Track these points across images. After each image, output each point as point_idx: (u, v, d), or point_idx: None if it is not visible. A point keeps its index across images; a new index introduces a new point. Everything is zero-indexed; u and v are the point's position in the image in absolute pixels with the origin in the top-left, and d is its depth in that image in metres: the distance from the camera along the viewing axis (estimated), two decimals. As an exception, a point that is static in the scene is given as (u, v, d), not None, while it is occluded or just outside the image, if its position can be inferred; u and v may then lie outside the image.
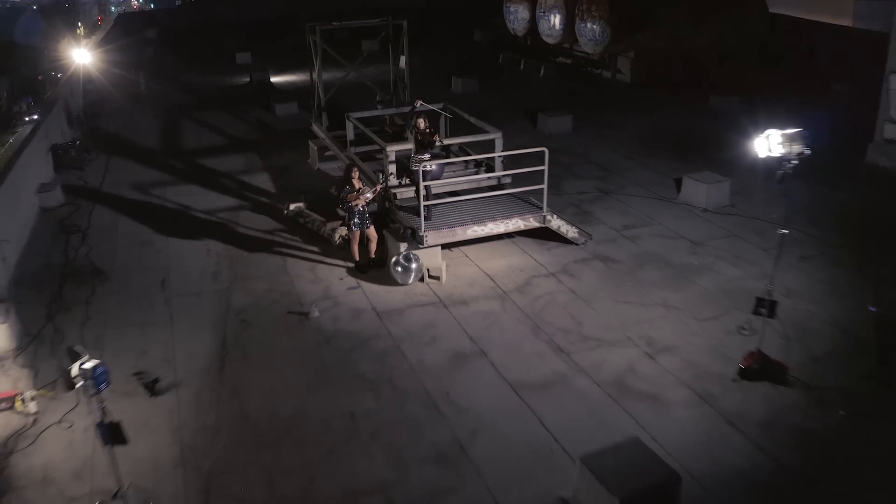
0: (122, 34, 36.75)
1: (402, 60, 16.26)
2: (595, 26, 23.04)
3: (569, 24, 24.25)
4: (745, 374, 8.09)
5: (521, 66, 25.88)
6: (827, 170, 14.85)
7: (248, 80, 25.40)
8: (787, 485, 6.66)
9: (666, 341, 8.78)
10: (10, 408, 7.96)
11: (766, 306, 8.01)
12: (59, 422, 7.70)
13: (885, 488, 6.60)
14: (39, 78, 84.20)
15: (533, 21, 26.38)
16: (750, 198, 13.18)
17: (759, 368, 8.09)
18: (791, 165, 7.44)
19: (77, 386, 5.96)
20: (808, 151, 7.35)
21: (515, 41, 27.98)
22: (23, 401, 7.95)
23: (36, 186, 14.15)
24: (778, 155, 7.32)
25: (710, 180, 12.89)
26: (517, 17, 27.48)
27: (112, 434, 6.13)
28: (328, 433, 7.34)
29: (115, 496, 6.56)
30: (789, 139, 7.23)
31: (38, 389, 8.20)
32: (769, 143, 7.29)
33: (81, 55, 21.04)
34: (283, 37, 30.52)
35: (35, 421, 7.76)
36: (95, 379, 5.80)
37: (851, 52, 21.19)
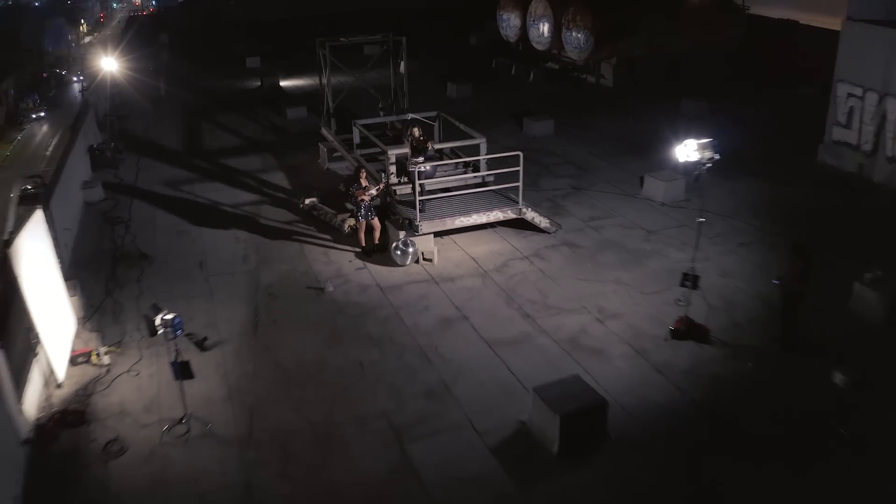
0: (136, 39, 38.69)
1: (402, 66, 18.22)
2: (580, 35, 25.07)
3: (556, 32, 26.27)
4: (675, 334, 10.15)
5: (513, 71, 27.88)
6: (780, 168, 16.96)
7: (258, 83, 27.35)
8: (693, 413, 8.72)
9: (614, 310, 10.85)
10: (87, 361, 10.03)
11: (690, 280, 10.06)
12: (128, 370, 9.78)
13: (772, 418, 8.63)
14: (44, 76, 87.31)
15: (524, 28, 28.39)
16: (703, 193, 15.20)
17: (686, 330, 10.15)
18: (705, 168, 9.48)
19: (159, 332, 7.98)
20: (717, 156, 9.39)
21: (508, 46, 29.97)
22: (97, 355, 10.04)
23: (80, 183, 16.20)
24: (694, 160, 9.35)
25: (667, 178, 14.93)
26: (509, 24, 29.50)
27: (183, 370, 8.21)
28: (342, 376, 9.42)
29: (180, 421, 8.65)
30: (702, 147, 9.28)
31: (108, 346, 10.28)
32: (687, 150, 9.32)
33: (108, 63, 23.04)
34: (289, 40, 32.55)
35: (108, 370, 9.84)
36: (173, 327, 7.88)
37: (826, 56, 22.74)
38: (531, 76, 26.67)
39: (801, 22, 61.01)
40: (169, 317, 7.90)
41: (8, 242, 8.73)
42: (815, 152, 17.98)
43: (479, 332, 10.32)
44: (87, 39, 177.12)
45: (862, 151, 17.10)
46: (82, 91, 23.65)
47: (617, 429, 8.31)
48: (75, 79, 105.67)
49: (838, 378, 9.18)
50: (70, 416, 8.87)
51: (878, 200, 15.41)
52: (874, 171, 16.74)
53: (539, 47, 27.71)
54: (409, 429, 8.44)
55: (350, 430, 8.48)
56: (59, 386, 9.32)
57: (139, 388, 9.47)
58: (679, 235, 13.30)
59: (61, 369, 9.48)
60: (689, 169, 9.63)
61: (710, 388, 9.19)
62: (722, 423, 8.54)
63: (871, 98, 16.85)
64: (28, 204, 11.34)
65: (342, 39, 17.73)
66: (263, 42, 35.13)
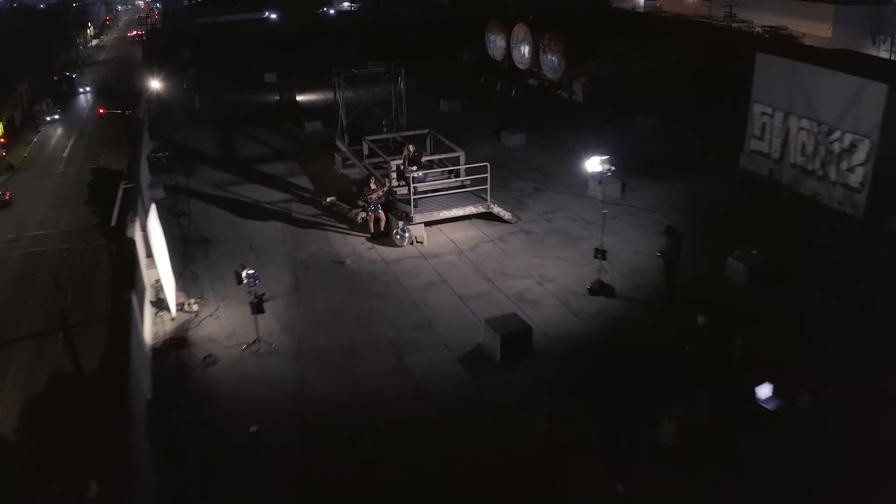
0: (161, 53, 43.31)
1: (401, 90, 22.70)
2: (554, 57, 29.70)
3: (535, 53, 30.88)
4: (590, 292, 14.68)
5: (498, 87, 32.43)
6: (708, 173, 21.48)
7: (278, 98, 31.92)
8: (593, 339, 13.22)
9: (551, 276, 15.38)
10: (180, 309, 14.58)
11: (599, 253, 14.58)
12: (211, 315, 14.34)
13: (647, 343, 13.11)
14: (55, 79, 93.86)
15: (508, 49, 33.01)
16: (638, 194, 19.78)
17: (598, 289, 14.68)
18: (607, 176, 14.01)
19: (245, 281, 12.46)
20: (613, 168, 13.93)
21: (495, 64, 34.54)
22: (188, 304, 14.60)
23: (146, 184, 20.76)
24: (598, 170, 13.88)
25: (606, 181, 19.42)
26: (496, 45, 34.15)
27: (258, 307, 12.75)
28: (359, 318, 13.97)
29: (253, 343, 13.19)
30: (602, 162, 13.81)
31: (195, 299, 14.84)
32: (592, 164, 13.85)
33: (154, 82, 27.62)
34: (302, 54, 37.16)
35: (197, 315, 14.39)
36: (253, 277, 12.44)
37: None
38: (513, 92, 31.22)
39: (790, 27, 66.66)
40: (250, 272, 12.48)
41: (144, 225, 13.30)
42: (738, 159, 22.51)
43: (454, 290, 14.87)
44: (93, 42, 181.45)
45: (772, 159, 21.63)
46: (140, 112, 27.20)
47: (540, 346, 12.84)
48: (82, 90, 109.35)
49: (700, 319, 13.67)
50: (177, 341, 13.42)
51: (781, 197, 19.91)
52: (781, 175, 21.26)
53: (521, 66, 32.33)
54: (404, 347, 13.00)
55: (365, 348, 13.03)
56: (172, 319, 13.90)
57: (220, 324, 14.02)
58: (609, 225, 17.72)
59: (173, 309, 14.06)
60: (595, 177, 14.15)
61: (608, 326, 13.71)
62: (612, 345, 13.07)
63: (779, 116, 21.37)
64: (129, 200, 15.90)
65: (353, 70, 22.28)
66: (278, 54, 39.60)
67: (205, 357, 12.97)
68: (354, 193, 18.70)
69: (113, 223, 16.97)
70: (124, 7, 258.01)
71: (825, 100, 19.78)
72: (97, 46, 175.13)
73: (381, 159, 18.93)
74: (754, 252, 15.77)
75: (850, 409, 10.95)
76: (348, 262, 16.13)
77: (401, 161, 17.86)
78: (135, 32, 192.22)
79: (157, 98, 29.22)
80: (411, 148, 17.46)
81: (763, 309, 13.90)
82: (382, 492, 9.85)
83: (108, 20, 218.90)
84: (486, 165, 17.19)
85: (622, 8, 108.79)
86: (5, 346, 27.19)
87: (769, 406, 11.03)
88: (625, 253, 16.23)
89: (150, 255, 15.05)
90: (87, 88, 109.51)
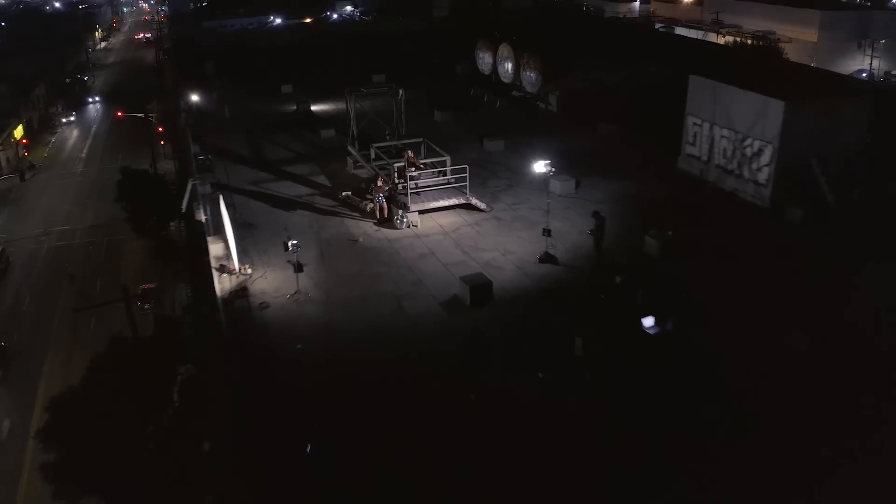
0: (185, 65, 48.75)
1: (402, 103, 28.16)
2: (532, 74, 35.17)
3: (517, 70, 36.34)
4: (540, 260, 20.15)
5: (485, 99, 37.88)
6: (650, 173, 26.85)
7: (295, 108, 37.36)
8: (539, 291, 18.70)
9: (512, 250, 20.86)
10: (239, 272, 20.09)
11: (546, 232, 20.06)
12: (261, 276, 19.85)
13: (580, 293, 18.56)
14: (67, 80, 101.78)
15: (495, 65, 38.49)
16: (590, 190, 25.24)
17: (545, 258, 20.14)
18: (551, 174, 19.50)
19: (290, 248, 17.89)
20: (553, 169, 19.40)
21: (483, 78, 40.00)
22: (245, 268, 20.11)
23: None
24: (542, 171, 19.35)
25: (562, 179, 24.90)
26: (484, 61, 39.65)
27: (298, 267, 18.27)
28: (369, 278, 19.50)
29: (294, 293, 18.70)
30: (545, 164, 19.26)
31: (248, 265, 20.34)
32: (538, 166, 19.33)
33: (196, 95, 33.11)
34: (314, 65, 42.66)
35: (251, 276, 19.89)
36: (296, 246, 17.96)
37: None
38: (498, 103, 36.68)
39: (778, 33, 72.83)
40: (294, 242, 17.99)
41: (207, 211, 18.85)
42: (676, 162, 27.94)
43: (439, 259, 20.36)
44: (101, 45, 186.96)
45: (702, 161, 27.08)
46: (182, 120, 32.15)
47: (499, 296, 18.32)
48: (91, 100, 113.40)
49: (616, 279, 19.09)
50: (239, 293, 18.92)
51: (707, 192, 25.34)
52: (709, 174, 26.70)
53: (505, 80, 37.84)
54: (402, 297, 18.52)
55: (374, 298, 18.53)
56: (236, 275, 19.43)
57: (268, 282, 19.52)
58: (562, 214, 23.25)
59: (237, 268, 19.60)
60: (541, 176, 19.63)
61: (550, 284, 19.16)
62: (551, 296, 18.53)
63: (706, 126, 26.81)
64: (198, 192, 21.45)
65: (362, 90, 27.79)
66: (291, 66, 45.08)
67: (260, 303, 18.45)
68: (364, 189, 24.22)
69: (183, 210, 22.38)
70: (129, 9, 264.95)
71: (739, 113, 25.27)
72: (105, 49, 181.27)
73: (385, 162, 24.42)
74: (669, 233, 21.24)
75: (712, 334, 16.42)
76: (361, 240, 21.64)
77: (401, 164, 23.35)
78: (142, 35, 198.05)
79: (195, 108, 34.71)
80: (410, 154, 22.95)
81: (664, 272, 19.34)
82: (384, 383, 15.30)
83: (114, 23, 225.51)
84: (465, 167, 22.69)
85: (610, 16, 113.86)
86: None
87: (651, 331, 16.49)
88: (571, 234, 21.71)
89: (212, 233, 20.55)
90: (97, 98, 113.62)
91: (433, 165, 24.74)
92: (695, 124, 27.26)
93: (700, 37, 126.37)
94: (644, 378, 14.93)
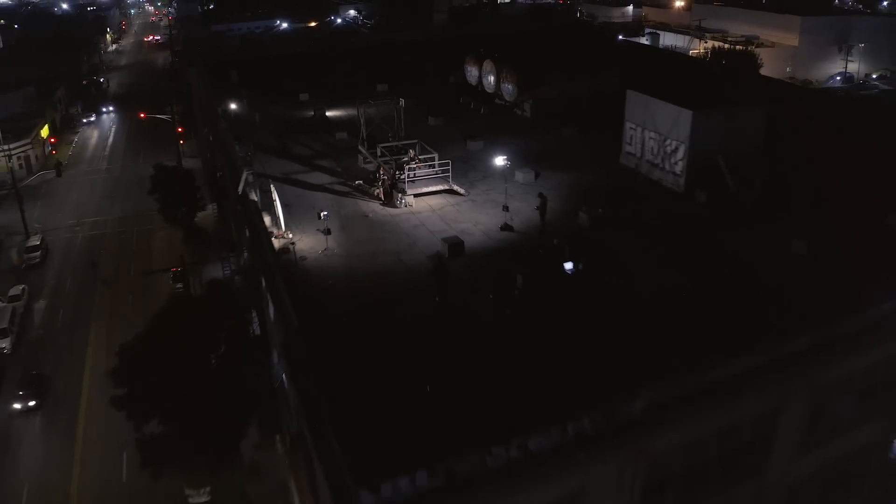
0: (213, 75, 56.74)
1: (401, 111, 36.20)
2: (509, 85, 43.25)
3: (497, 82, 44.42)
4: (501, 228, 28.23)
5: (472, 106, 45.94)
6: (596, 167, 34.88)
7: (312, 114, 45.39)
8: (491, 249, 26.77)
9: (482, 223, 28.99)
10: (282, 236, 28.19)
11: (506, 208, 28.14)
12: (300, 239, 27.96)
13: (521, 252, 26.60)
14: (84, 83, 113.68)
15: (480, 77, 46.57)
16: (547, 180, 33.29)
17: (504, 227, 28.21)
18: (508, 165, 27.58)
19: (322, 217, 25.81)
20: (509, 163, 27.46)
21: (470, 88, 48.05)
22: (286, 234, 28.23)
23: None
24: (501, 164, 27.39)
25: (524, 171, 32.95)
26: (471, 73, 47.75)
27: (328, 231, 26.37)
28: (376, 241, 27.67)
29: (324, 250, 26.81)
30: (503, 159, 27.29)
31: (289, 232, 28.44)
32: (499, 160, 27.36)
33: (234, 104, 41.21)
34: (327, 75, 50.87)
35: (291, 240, 28.00)
36: (326, 216, 26.06)
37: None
38: (482, 110, 44.76)
39: (762, 37, 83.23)
40: (325, 213, 26.10)
41: (259, 192, 26.99)
42: (618, 158, 35.97)
43: (428, 228, 28.45)
44: (112, 47, 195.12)
45: (636, 157, 35.10)
46: (224, 123, 40.15)
47: (469, 251, 26.37)
48: (105, 110, 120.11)
49: (554, 241, 27.07)
50: (284, 250, 26.99)
51: (639, 181, 33.37)
52: (641, 167, 34.73)
53: (489, 91, 45.91)
54: (400, 253, 26.62)
55: (381, 253, 26.64)
56: (282, 238, 27.55)
57: (304, 244, 27.62)
58: (522, 196, 31.26)
59: (284, 230, 27.74)
60: (502, 169, 27.66)
61: (506, 244, 27.20)
62: (505, 253, 26.58)
63: (639, 130, 34.82)
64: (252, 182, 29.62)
65: (370, 102, 35.87)
66: (306, 75, 53.23)
67: (300, 257, 26.50)
68: (372, 178, 32.29)
69: (240, 191, 30.40)
70: (136, 11, 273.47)
71: (661, 119, 33.27)
72: (116, 51, 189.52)
73: (388, 158, 32.46)
74: (599, 210, 29.27)
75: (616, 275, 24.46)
76: (370, 215, 29.70)
77: (404, 159, 31.44)
78: (151, 38, 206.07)
79: (230, 114, 42.79)
80: (411, 152, 31.07)
81: (590, 238, 27.37)
82: (386, 303, 23.29)
83: (123, 25, 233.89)
84: (449, 162, 30.77)
85: (603, 22, 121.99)
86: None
87: (569, 272, 24.49)
88: (526, 211, 29.70)
89: (263, 208, 28.63)
90: (110, 108, 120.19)
91: (425, 160, 32.79)
92: (631, 128, 35.29)
93: (686, 42, 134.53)
94: (561, 300, 22.98)
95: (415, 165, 31.41)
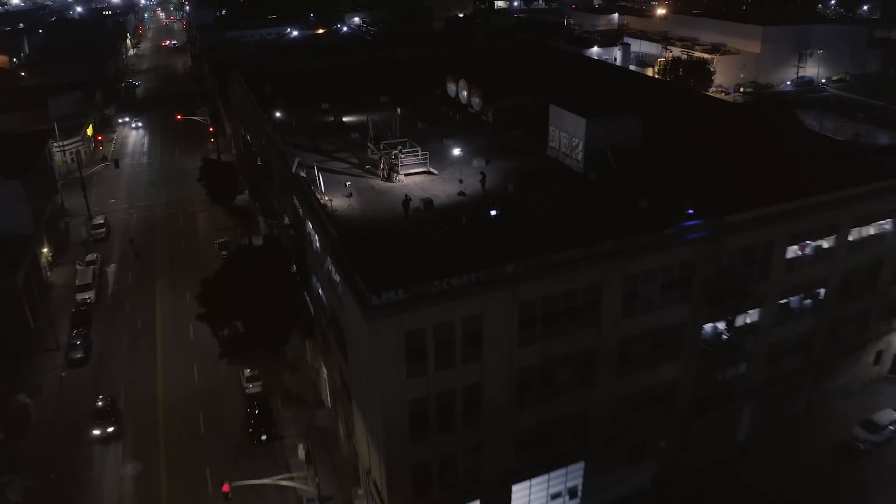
0: (252, 87, 75.23)
1: (398, 119, 54.53)
2: (476, 99, 61.81)
3: (469, 95, 62.94)
4: (458, 194, 46.59)
5: (450, 114, 64.28)
6: (531, 157, 53.47)
7: (332, 119, 63.76)
8: (451, 205, 45.14)
9: (447, 191, 47.42)
10: (321, 198, 46.62)
11: (461, 182, 46.49)
12: (330, 201, 46.40)
13: (471, 207, 45.01)
14: (122, 85, 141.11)
15: (457, 91, 65.09)
16: (493, 166, 51.70)
17: (460, 194, 46.55)
18: (462, 155, 45.90)
19: (347, 186, 43.77)
20: (462, 153, 45.77)
21: (450, 99, 66.48)
22: (325, 198, 46.66)
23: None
24: (457, 154, 45.67)
25: (479, 159, 51.28)
26: (451, 88, 66.31)
27: (350, 194, 44.79)
28: (380, 201, 46.12)
29: (348, 205, 45.21)
30: (461, 150, 45.57)
31: (326, 196, 46.88)
32: (456, 150, 45.65)
33: (277, 113, 59.72)
34: (339, 86, 69.51)
35: (329, 200, 46.40)
36: (350, 185, 44.45)
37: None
38: (457, 117, 63.15)
39: (728, 45, 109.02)
40: (349, 182, 44.50)
41: (311, 169, 45.51)
42: (545, 150, 54.40)
43: (412, 194, 46.78)
44: (132, 51, 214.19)
45: (556, 150, 53.52)
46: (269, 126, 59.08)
47: (437, 205, 44.66)
48: (133, 125, 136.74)
49: (490, 201, 45.29)
50: (325, 205, 45.38)
51: (556, 167, 51.81)
52: (558, 157, 53.12)
53: (463, 102, 64.37)
54: (393, 208, 44.93)
55: (383, 209, 45.03)
56: (323, 200, 46.05)
57: (335, 203, 45.94)
58: (473, 175, 49.49)
59: (325, 200, 46.30)
60: (460, 158, 45.92)
61: (461, 204, 45.50)
62: (460, 206, 44.89)
63: (557, 132, 53.27)
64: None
65: (375, 113, 54.24)
66: (325, 87, 71.99)
67: (333, 209, 44.77)
68: (377, 163, 50.64)
69: (293, 171, 48.45)
70: (149, 15, 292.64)
71: (569, 124, 51.57)
72: (137, 55, 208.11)
73: (387, 151, 50.82)
74: (522, 183, 47.61)
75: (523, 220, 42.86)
76: (375, 187, 48.08)
77: (398, 151, 49.79)
78: (168, 42, 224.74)
79: (275, 119, 61.09)
80: (400, 147, 49.47)
81: (511, 199, 45.63)
82: (384, 228, 41.53)
83: (140, 29, 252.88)
84: (427, 153, 49.14)
85: (583, 33, 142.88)
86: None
87: (493, 215, 42.72)
88: (475, 185, 47.90)
89: (308, 185, 46.97)
90: (139, 124, 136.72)
91: (411, 152, 51.11)
92: (553, 130, 53.58)
93: (657, 49, 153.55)
94: (485, 229, 41.26)
95: (402, 156, 49.67)
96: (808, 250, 46.44)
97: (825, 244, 47.22)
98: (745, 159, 52.06)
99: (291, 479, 47.29)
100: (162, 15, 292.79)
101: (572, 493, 44.65)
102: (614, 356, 40.95)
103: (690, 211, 40.73)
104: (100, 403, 55.94)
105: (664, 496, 46.74)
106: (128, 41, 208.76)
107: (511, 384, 38.01)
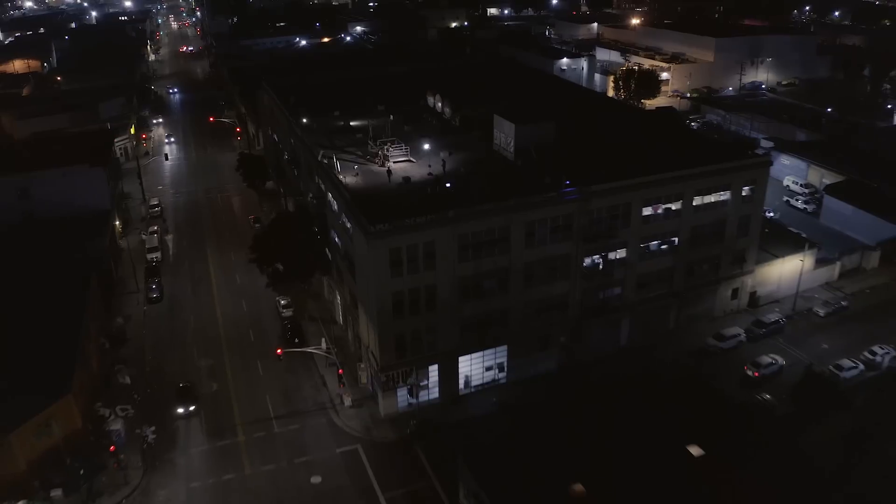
0: (280, 98, 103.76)
1: (390, 125, 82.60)
2: (447, 109, 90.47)
3: (442, 106, 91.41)
4: (428, 174, 74.73)
5: (429, 120, 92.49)
6: (480, 151, 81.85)
7: (342, 123, 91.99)
8: (423, 182, 73.29)
9: (420, 172, 75.54)
10: (340, 176, 74.91)
11: (430, 167, 74.69)
12: (346, 178, 74.64)
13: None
14: (153, 88, 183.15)
15: (434, 102, 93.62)
16: (456, 156, 79.98)
17: (430, 174, 74.70)
18: (449, 157, 74.13)
19: (355, 168, 71.41)
20: (429, 147, 73.93)
21: (430, 108, 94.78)
22: (341, 174, 75.01)
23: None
24: (427, 147, 73.74)
25: (444, 152, 79.43)
26: (430, 100, 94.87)
27: (357, 175, 73.01)
28: (379, 178, 74.27)
29: (356, 179, 73.37)
30: (429, 144, 73.65)
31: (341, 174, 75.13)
32: (426, 145, 73.74)
33: (307, 121, 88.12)
34: (345, 96, 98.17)
35: (344, 177, 74.63)
36: (357, 169, 72.66)
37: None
38: (434, 122, 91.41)
39: (687, 54, 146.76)
40: (356, 167, 72.73)
41: (331, 158, 74.08)
42: (492, 146, 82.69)
43: (398, 174, 74.88)
44: (152, 57, 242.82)
45: (499, 145, 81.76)
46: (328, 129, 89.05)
47: (413, 180, 72.73)
48: (167, 141, 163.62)
49: (461, 170, 73.32)
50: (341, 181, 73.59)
51: (496, 155, 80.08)
52: (499, 149, 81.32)
53: (438, 111, 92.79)
54: (388, 181, 72.97)
55: (381, 183, 73.22)
56: (344, 179, 74.44)
57: (348, 180, 74.06)
58: (438, 163, 77.55)
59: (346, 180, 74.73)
60: (431, 150, 74.02)
61: (428, 180, 73.54)
62: (428, 183, 72.96)
63: (499, 133, 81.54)
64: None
65: (373, 119, 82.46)
66: (334, 96, 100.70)
67: (346, 183, 72.76)
68: (374, 155, 78.74)
69: (318, 160, 75.78)
70: (162, 20, 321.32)
71: (505, 129, 79.80)
72: (157, 61, 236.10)
73: (382, 146, 78.90)
74: (471, 167, 75.79)
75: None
76: (374, 169, 76.21)
77: (389, 146, 77.93)
78: (185, 48, 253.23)
79: (302, 124, 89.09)
80: (390, 143, 77.67)
81: (460, 177, 73.69)
82: (380, 192, 69.43)
83: (157, 35, 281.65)
84: (409, 147, 77.34)
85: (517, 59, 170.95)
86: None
87: (448, 186, 70.73)
88: (440, 168, 75.83)
89: (330, 168, 75.03)
90: (172, 139, 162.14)
91: (398, 147, 79.18)
92: (496, 132, 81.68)
93: (623, 57, 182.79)
94: (442, 192, 69.30)
95: (392, 149, 77.69)
96: (660, 210, 74.18)
97: (673, 207, 74.95)
98: (627, 150, 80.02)
99: (318, 350, 75.39)
100: (174, 21, 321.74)
101: (500, 367, 72.40)
102: (521, 274, 68.81)
103: (567, 182, 68.61)
104: (182, 385, 72.82)
105: (566, 377, 74.43)
106: (148, 47, 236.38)
107: (455, 287, 65.87)
